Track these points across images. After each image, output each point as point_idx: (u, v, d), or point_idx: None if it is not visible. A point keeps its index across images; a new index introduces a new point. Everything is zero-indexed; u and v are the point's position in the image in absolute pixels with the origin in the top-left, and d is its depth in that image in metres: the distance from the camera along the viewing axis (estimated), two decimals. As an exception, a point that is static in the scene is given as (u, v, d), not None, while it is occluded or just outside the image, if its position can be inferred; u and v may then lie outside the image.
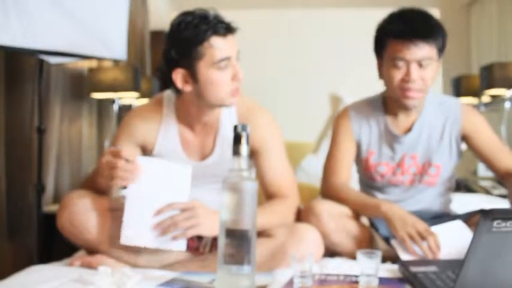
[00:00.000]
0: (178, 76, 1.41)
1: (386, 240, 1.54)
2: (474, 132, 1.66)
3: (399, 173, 1.69)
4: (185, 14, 1.40)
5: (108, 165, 1.30)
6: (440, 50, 1.58)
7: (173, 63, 1.41)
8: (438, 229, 1.45)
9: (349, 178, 1.72)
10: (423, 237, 1.40)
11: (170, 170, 1.37)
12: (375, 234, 1.59)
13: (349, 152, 1.71)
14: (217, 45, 1.38)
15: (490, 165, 1.68)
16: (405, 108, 1.64)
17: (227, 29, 1.39)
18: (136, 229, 1.32)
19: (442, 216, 1.68)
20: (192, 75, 1.40)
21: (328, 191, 1.68)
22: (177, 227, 1.30)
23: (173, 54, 1.39)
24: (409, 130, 1.68)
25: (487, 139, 1.66)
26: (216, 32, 1.37)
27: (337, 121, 1.76)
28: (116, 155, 1.30)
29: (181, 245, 1.34)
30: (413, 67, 1.55)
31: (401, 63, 1.56)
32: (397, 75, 1.57)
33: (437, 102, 1.70)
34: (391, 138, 1.69)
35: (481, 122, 1.69)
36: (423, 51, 1.54)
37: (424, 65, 1.55)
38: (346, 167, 1.71)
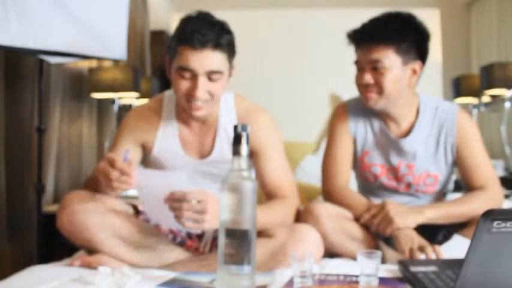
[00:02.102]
0: (165, 63, 1.49)
1: (386, 241, 1.54)
2: (465, 145, 1.62)
3: (393, 177, 1.68)
4: (189, 15, 1.42)
5: (103, 173, 1.29)
6: (405, 53, 1.53)
7: (167, 52, 1.47)
8: (444, 247, 1.45)
9: (349, 178, 1.71)
10: (422, 251, 1.41)
11: (167, 178, 1.36)
12: (380, 242, 1.57)
13: (347, 150, 1.70)
14: (182, 54, 1.38)
15: (465, 180, 1.65)
16: (381, 113, 1.64)
17: (201, 43, 1.35)
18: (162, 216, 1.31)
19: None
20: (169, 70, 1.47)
21: (331, 195, 1.66)
22: (181, 215, 1.22)
23: (167, 45, 1.46)
24: (404, 135, 1.66)
25: (473, 155, 1.62)
26: (185, 42, 1.37)
27: (334, 118, 1.75)
28: (111, 164, 1.28)
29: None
30: (366, 69, 1.56)
31: (359, 66, 1.60)
32: (356, 78, 1.61)
33: (434, 107, 1.66)
34: (387, 142, 1.67)
35: (474, 135, 1.64)
36: (373, 53, 1.53)
37: (378, 68, 1.53)
38: (346, 167, 1.70)
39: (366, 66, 1.56)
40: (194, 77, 1.38)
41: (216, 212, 1.30)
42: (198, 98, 1.39)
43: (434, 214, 1.53)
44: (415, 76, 1.59)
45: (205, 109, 1.43)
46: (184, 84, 1.39)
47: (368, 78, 1.55)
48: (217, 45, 1.36)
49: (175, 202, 1.22)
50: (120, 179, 1.26)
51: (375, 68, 1.54)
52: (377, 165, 1.69)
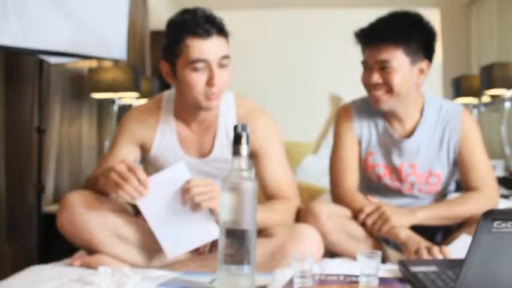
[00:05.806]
0: (163, 69, 1.47)
1: (386, 242, 1.54)
2: (466, 144, 1.63)
3: (396, 178, 1.68)
4: (181, 11, 1.43)
5: (120, 174, 1.29)
6: (414, 53, 1.54)
7: (162, 56, 1.47)
8: (452, 247, 1.44)
9: (357, 178, 1.70)
10: (429, 252, 1.40)
11: (168, 175, 1.36)
12: (383, 244, 1.57)
13: (353, 151, 1.70)
14: (193, 46, 1.38)
15: (463, 180, 1.66)
16: (386, 113, 1.64)
17: (207, 32, 1.38)
18: (172, 240, 1.33)
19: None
20: (173, 71, 1.45)
21: (340, 198, 1.65)
22: (194, 199, 1.29)
23: (162, 49, 1.45)
24: (408, 136, 1.66)
25: (473, 155, 1.63)
26: (193, 33, 1.37)
27: (338, 119, 1.75)
28: (132, 170, 1.29)
29: (214, 233, 1.32)
30: (374, 69, 1.56)
31: (366, 66, 1.59)
32: (363, 77, 1.61)
33: (438, 107, 1.67)
34: (390, 142, 1.67)
35: (476, 135, 1.65)
36: (381, 53, 1.53)
37: (386, 68, 1.53)
38: (353, 168, 1.69)
39: (374, 66, 1.56)
40: (208, 67, 1.39)
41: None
42: (217, 86, 1.40)
43: (426, 215, 1.54)
44: (422, 75, 1.60)
45: (219, 99, 1.45)
46: (200, 77, 1.40)
47: (376, 77, 1.55)
48: (220, 31, 1.41)
49: (186, 194, 1.29)
50: (137, 188, 1.28)
51: (383, 68, 1.54)
52: (380, 165, 1.69)
